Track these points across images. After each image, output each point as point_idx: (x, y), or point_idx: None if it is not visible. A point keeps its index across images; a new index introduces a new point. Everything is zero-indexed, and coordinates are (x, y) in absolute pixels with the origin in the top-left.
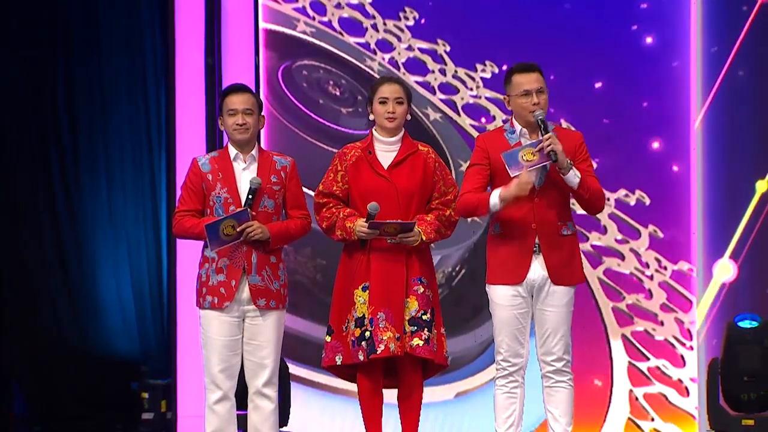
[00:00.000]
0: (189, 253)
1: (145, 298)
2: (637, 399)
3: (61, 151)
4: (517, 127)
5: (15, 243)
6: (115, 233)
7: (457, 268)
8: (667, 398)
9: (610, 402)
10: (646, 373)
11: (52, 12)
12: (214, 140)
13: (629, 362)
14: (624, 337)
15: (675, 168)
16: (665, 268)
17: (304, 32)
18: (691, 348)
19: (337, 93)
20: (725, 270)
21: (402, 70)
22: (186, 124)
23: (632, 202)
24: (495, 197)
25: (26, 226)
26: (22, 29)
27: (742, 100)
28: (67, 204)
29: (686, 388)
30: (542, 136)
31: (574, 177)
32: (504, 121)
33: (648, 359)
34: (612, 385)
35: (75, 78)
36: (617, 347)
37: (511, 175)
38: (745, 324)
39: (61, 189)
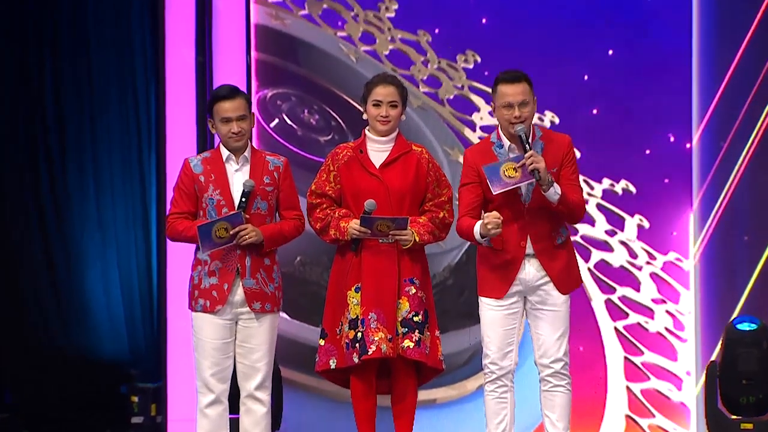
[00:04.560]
0: (179, 255)
1: (134, 300)
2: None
3: (49, 151)
4: (505, 141)
5: (2, 245)
6: (103, 235)
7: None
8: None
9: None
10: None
11: (40, 11)
12: (204, 140)
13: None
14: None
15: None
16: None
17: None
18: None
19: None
20: None
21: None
22: (176, 123)
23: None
24: (478, 235)
25: (13, 228)
26: (8, 28)
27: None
28: (54, 205)
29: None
30: (525, 152)
31: (554, 194)
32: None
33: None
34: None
35: (63, 77)
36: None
37: (493, 192)
38: (744, 327)
39: (49, 190)
